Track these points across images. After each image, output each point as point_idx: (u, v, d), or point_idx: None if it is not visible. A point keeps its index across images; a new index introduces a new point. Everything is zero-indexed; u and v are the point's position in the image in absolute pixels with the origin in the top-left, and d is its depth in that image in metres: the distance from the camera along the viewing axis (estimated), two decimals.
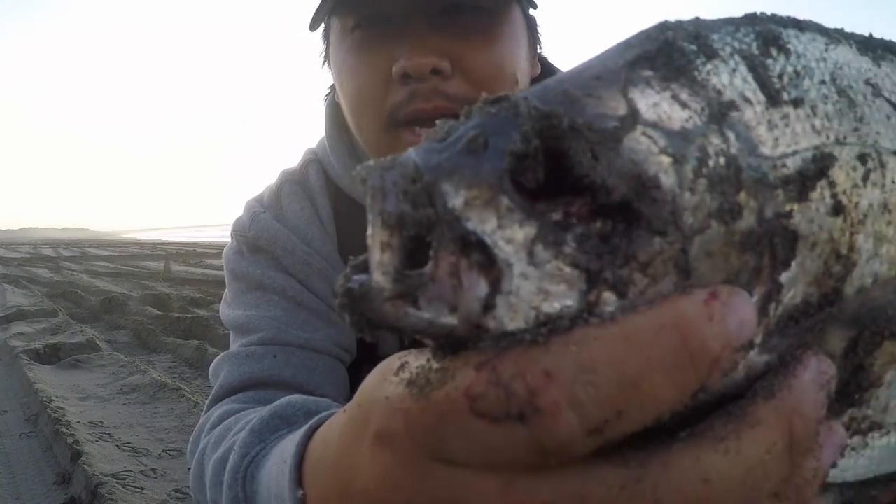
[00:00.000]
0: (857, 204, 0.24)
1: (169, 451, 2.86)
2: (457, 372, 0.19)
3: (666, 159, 0.20)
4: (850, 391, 0.26)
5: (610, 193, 0.20)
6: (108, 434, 3.03)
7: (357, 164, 0.28)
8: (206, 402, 0.73)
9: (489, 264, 0.19)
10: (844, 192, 0.24)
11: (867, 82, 0.27)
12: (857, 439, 0.27)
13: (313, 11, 0.73)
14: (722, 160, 0.21)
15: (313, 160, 0.87)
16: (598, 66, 0.23)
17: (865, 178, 0.25)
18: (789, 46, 0.26)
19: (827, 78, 0.26)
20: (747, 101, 0.23)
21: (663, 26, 0.24)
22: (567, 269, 0.19)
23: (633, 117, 0.21)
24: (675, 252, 0.20)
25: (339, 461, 0.27)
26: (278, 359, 0.71)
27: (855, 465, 0.27)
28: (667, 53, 0.23)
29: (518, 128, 0.19)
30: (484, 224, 0.19)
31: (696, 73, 0.23)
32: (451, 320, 0.19)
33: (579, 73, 0.22)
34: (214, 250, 19.71)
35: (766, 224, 0.22)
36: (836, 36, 0.28)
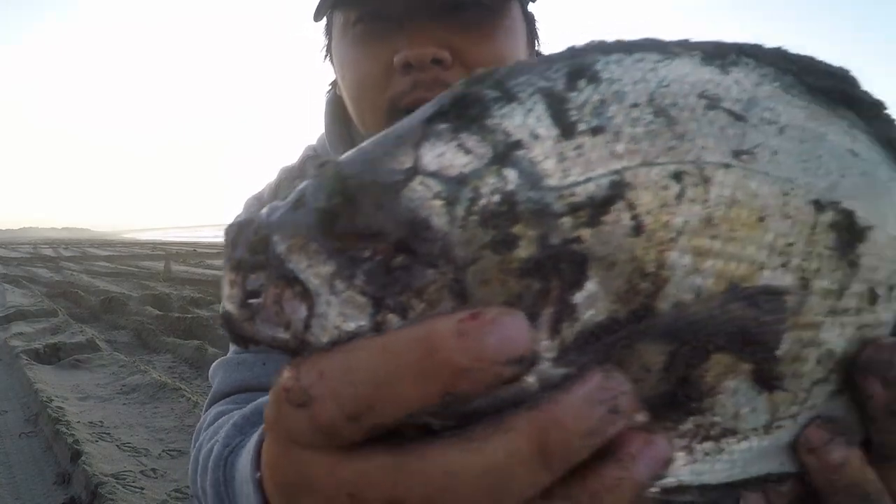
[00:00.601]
0: (666, 223, 0.25)
1: (169, 451, 2.86)
2: (284, 371, 0.25)
3: (438, 203, 0.24)
4: (680, 402, 0.27)
5: (389, 236, 0.24)
6: (108, 434, 3.03)
7: None
8: (206, 402, 0.77)
9: (305, 294, 0.24)
10: (649, 213, 0.25)
11: (701, 95, 0.27)
12: (709, 445, 0.28)
13: (317, 4, 0.75)
14: (497, 197, 0.24)
15: (312, 156, 0.88)
16: (404, 125, 0.26)
17: (680, 196, 0.26)
18: (601, 75, 0.27)
19: (642, 100, 0.26)
20: (537, 138, 0.25)
21: (470, 79, 0.27)
22: (358, 297, 0.24)
23: (414, 169, 0.25)
24: (448, 281, 0.24)
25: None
26: (267, 366, 0.74)
27: (713, 469, 0.28)
28: (461, 105, 0.26)
29: (324, 189, 0.25)
30: (299, 264, 0.25)
31: (488, 119, 0.25)
32: (284, 335, 0.25)
33: (387, 134, 0.26)
34: (214, 250, 19.72)
35: (551, 250, 0.24)
36: (674, 50, 0.28)
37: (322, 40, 0.85)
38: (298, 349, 0.25)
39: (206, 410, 0.74)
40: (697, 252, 0.26)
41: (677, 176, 0.26)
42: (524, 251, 0.24)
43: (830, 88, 0.30)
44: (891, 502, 0.31)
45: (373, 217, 0.24)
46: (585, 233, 0.25)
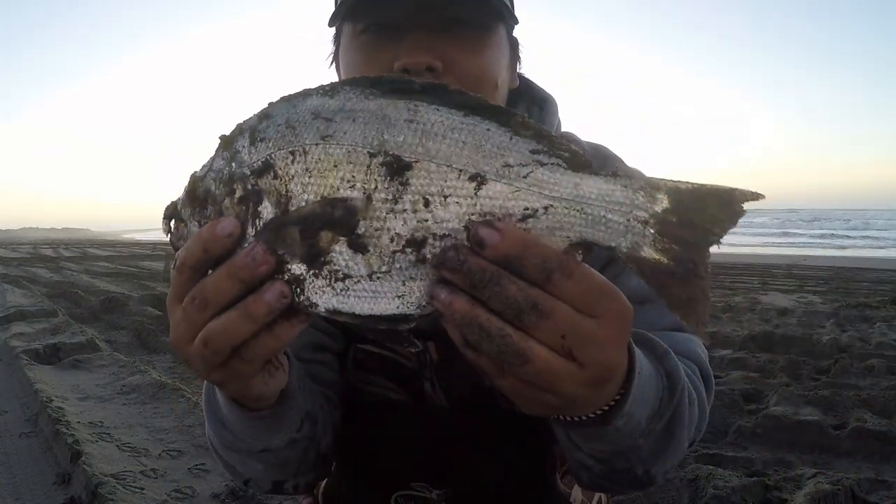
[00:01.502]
0: (287, 172, 0.54)
1: (169, 451, 2.86)
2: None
3: (213, 181, 0.59)
4: (315, 257, 0.53)
5: (201, 196, 0.61)
6: (108, 434, 3.03)
7: None
8: None
9: (185, 224, 0.62)
10: (281, 169, 0.55)
11: (312, 112, 0.55)
12: (340, 284, 0.53)
13: (332, 13, 0.87)
14: (227, 175, 0.58)
15: None
16: (216, 150, 0.61)
17: (293, 161, 0.54)
18: (270, 113, 0.57)
19: (283, 122, 0.56)
20: (244, 147, 0.58)
21: (235, 128, 0.59)
22: (195, 222, 0.61)
23: (209, 169, 0.61)
24: (217, 210, 0.58)
25: None
26: None
27: (350, 301, 0.54)
28: (229, 139, 0.60)
29: (189, 179, 0.63)
30: (184, 212, 0.62)
31: (233, 143, 0.59)
32: (183, 242, 0.61)
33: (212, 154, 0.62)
34: None
35: (247, 191, 0.56)
36: (309, 92, 0.56)
37: (329, 48, 0.96)
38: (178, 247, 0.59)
39: None
40: (303, 184, 0.53)
41: (292, 153, 0.54)
42: (237, 193, 0.56)
43: (394, 88, 0.54)
44: (508, 330, 0.51)
45: (197, 189, 0.59)
46: (259, 181, 0.55)
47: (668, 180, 0.54)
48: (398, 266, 0.53)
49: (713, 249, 0.54)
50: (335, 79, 0.96)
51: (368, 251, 0.52)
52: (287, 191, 0.53)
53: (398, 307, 0.54)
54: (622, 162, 0.98)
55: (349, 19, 0.86)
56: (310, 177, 0.53)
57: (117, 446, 2.88)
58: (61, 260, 17.39)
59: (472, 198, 0.52)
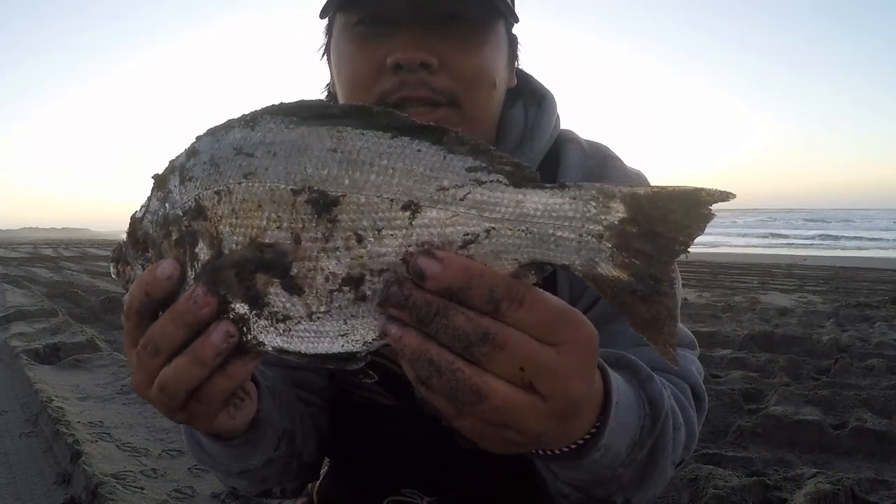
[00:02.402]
0: (216, 213, 0.52)
1: (169, 451, 2.86)
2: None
3: (150, 223, 0.58)
4: (254, 299, 0.51)
5: (141, 239, 0.60)
6: (108, 434, 3.03)
7: None
8: None
9: (132, 267, 0.62)
10: (209, 209, 0.52)
11: (234, 148, 0.51)
12: (282, 325, 0.51)
13: (324, 2, 0.83)
14: (162, 216, 0.56)
15: None
16: (148, 195, 0.61)
17: (219, 201, 0.51)
18: (197, 149, 0.54)
19: (207, 159, 0.53)
20: (175, 187, 0.55)
21: (168, 166, 0.57)
22: (140, 264, 0.60)
23: (146, 210, 0.60)
24: (157, 253, 0.57)
25: None
26: None
27: (294, 340, 0.52)
28: (163, 178, 0.57)
29: (130, 221, 0.62)
30: (129, 254, 0.63)
31: (167, 182, 0.56)
32: (129, 284, 0.62)
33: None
34: None
35: (182, 232, 0.54)
36: (231, 124, 0.53)
37: (321, 39, 0.92)
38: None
39: None
40: (231, 225, 0.51)
41: (218, 193, 0.52)
42: (174, 235, 0.54)
43: (315, 114, 0.50)
44: (453, 360, 0.47)
45: (138, 234, 0.59)
46: (192, 222, 0.53)
47: (624, 187, 0.49)
48: (337, 305, 0.50)
49: (687, 256, 0.50)
50: (327, 73, 0.95)
51: (304, 292, 0.50)
52: (217, 232, 0.51)
53: (343, 346, 0.51)
54: (621, 162, 0.96)
55: (342, 10, 0.83)
56: (236, 218, 0.51)
57: (117, 446, 2.87)
58: (61, 260, 17.38)
59: (407, 228, 0.48)
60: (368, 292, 0.49)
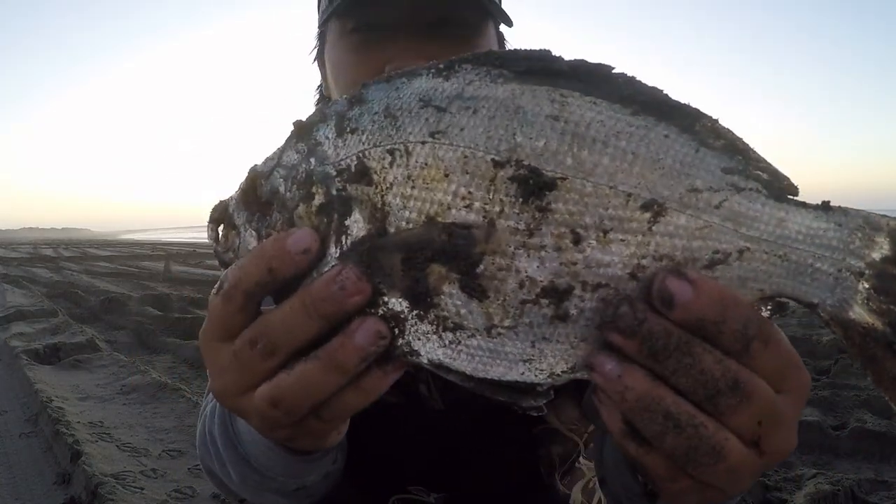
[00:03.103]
0: (384, 177, 0.40)
1: (169, 451, 2.86)
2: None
3: (282, 180, 0.44)
4: (419, 296, 0.40)
5: (265, 199, 0.45)
6: (108, 434, 3.03)
7: None
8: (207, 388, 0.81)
9: (238, 232, 0.48)
10: (376, 172, 0.41)
11: (420, 98, 0.41)
12: (449, 335, 0.40)
13: (313, 12, 0.86)
14: (303, 173, 0.43)
15: None
16: (286, 140, 0.46)
17: (392, 163, 0.40)
18: (365, 96, 0.43)
19: (381, 109, 0.42)
20: (327, 139, 0.43)
21: (316, 113, 0.45)
22: (254, 231, 0.46)
23: (277, 164, 0.45)
24: (285, 219, 0.44)
25: None
26: None
27: (459, 357, 0.41)
28: (305, 126, 0.45)
29: (246, 176, 0.47)
30: (236, 217, 0.47)
31: (311, 132, 0.44)
32: (232, 255, 0.48)
33: (278, 147, 0.46)
34: None
35: (331, 197, 0.42)
36: (419, 72, 0.42)
37: (314, 45, 0.94)
38: (229, 261, 0.46)
39: (207, 394, 0.77)
40: (404, 196, 0.40)
41: (391, 152, 0.40)
42: (317, 199, 0.43)
43: (531, 68, 0.40)
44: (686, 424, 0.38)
45: (259, 191, 0.46)
46: (348, 185, 0.42)
47: (892, 218, 0.41)
48: (527, 321, 0.39)
49: None
50: (318, 78, 0.94)
51: (488, 297, 0.39)
52: (384, 203, 0.40)
53: (523, 374, 0.40)
54: None
55: (337, 17, 0.84)
56: (413, 187, 0.39)
57: (117, 446, 2.88)
58: (61, 260, 17.39)
59: (644, 234, 0.38)
60: (573, 311, 0.39)
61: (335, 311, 0.40)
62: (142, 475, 2.56)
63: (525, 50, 0.41)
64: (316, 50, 0.94)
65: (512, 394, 0.41)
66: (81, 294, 7.94)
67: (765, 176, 0.40)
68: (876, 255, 0.40)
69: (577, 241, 0.38)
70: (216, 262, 0.49)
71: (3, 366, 4.40)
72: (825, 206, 0.40)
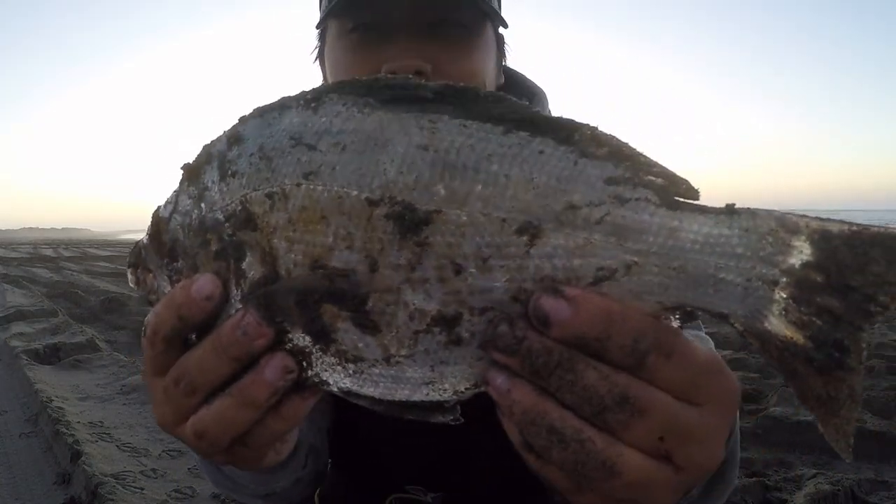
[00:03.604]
0: (267, 222, 0.40)
1: (169, 451, 2.86)
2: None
3: (179, 227, 0.45)
4: (318, 333, 0.40)
5: (169, 245, 0.47)
6: (108, 434, 3.03)
7: None
8: None
9: (154, 277, 0.49)
10: (259, 216, 0.41)
11: (291, 137, 0.40)
12: (352, 366, 0.41)
13: (314, 10, 0.87)
14: (197, 220, 0.44)
15: None
16: (176, 188, 0.47)
17: (272, 207, 0.40)
18: (241, 135, 0.42)
19: (255, 149, 0.41)
20: (213, 182, 0.43)
21: (202, 153, 0.45)
22: (166, 276, 0.47)
23: (174, 210, 0.46)
24: (190, 265, 0.45)
25: None
26: None
27: (366, 384, 0.41)
28: (194, 168, 0.45)
29: (151, 221, 0.49)
30: (150, 261, 0.50)
31: (200, 175, 0.44)
32: (154, 297, 0.50)
33: (174, 190, 0.47)
34: None
35: (224, 243, 0.42)
36: (288, 104, 0.41)
37: (315, 44, 0.95)
38: (154, 302, 0.48)
39: None
40: (288, 240, 0.40)
41: (270, 196, 0.40)
42: (213, 245, 0.43)
43: (397, 96, 0.39)
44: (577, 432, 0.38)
45: (163, 235, 0.47)
46: (237, 231, 0.42)
47: (812, 219, 0.37)
48: (423, 349, 0.40)
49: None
50: (320, 76, 0.95)
51: (381, 331, 0.39)
52: (271, 247, 0.40)
53: (427, 395, 0.41)
54: None
55: (336, 17, 0.85)
56: (294, 231, 0.39)
57: (117, 446, 2.88)
58: (61, 260, 17.39)
59: (522, 258, 0.37)
60: (465, 335, 0.39)
61: (242, 353, 0.42)
62: (142, 475, 2.56)
63: (387, 76, 0.40)
64: (317, 49, 0.95)
65: (420, 412, 0.42)
66: (81, 294, 7.94)
67: (658, 181, 0.37)
68: (794, 261, 0.37)
69: (458, 271, 0.38)
70: None
71: (3, 366, 4.40)
72: (729, 210, 0.38)
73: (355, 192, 0.38)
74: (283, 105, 0.41)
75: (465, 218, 0.37)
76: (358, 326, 0.40)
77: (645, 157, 0.38)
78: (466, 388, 0.41)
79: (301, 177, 0.39)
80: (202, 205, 0.43)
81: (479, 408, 0.43)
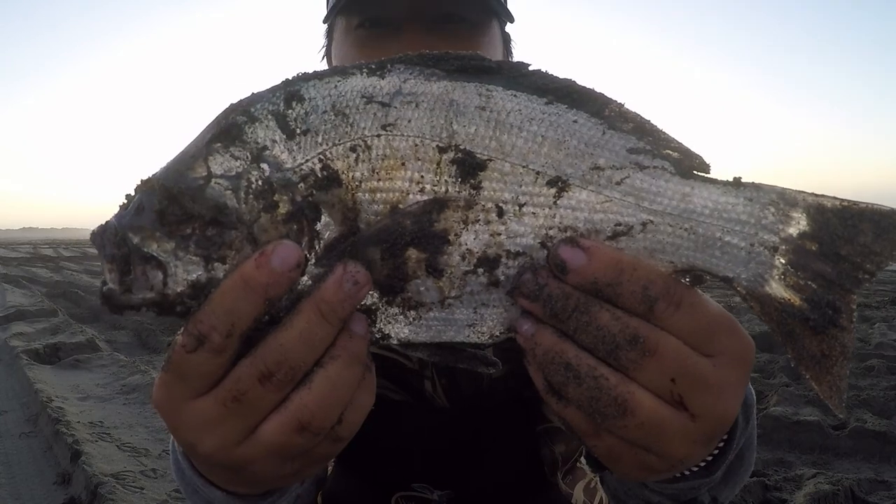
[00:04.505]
0: (352, 176, 0.42)
1: (169, 451, 2.86)
2: (176, 338, 0.40)
3: (228, 192, 0.41)
4: (395, 282, 0.43)
5: (203, 217, 0.40)
6: (108, 434, 3.03)
7: None
8: None
9: (159, 264, 0.40)
10: (342, 172, 0.42)
11: (362, 96, 0.43)
12: (413, 312, 0.44)
13: (319, 8, 0.88)
14: (259, 182, 0.41)
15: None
16: (192, 147, 0.42)
17: (357, 160, 0.42)
18: (304, 95, 0.43)
19: (328, 107, 0.43)
20: (274, 142, 0.42)
21: (227, 110, 0.43)
22: (193, 257, 0.40)
23: (209, 175, 0.41)
24: (244, 234, 0.40)
25: None
26: None
27: (421, 330, 0.45)
28: (225, 129, 0.42)
29: (155, 196, 0.40)
30: (150, 247, 0.40)
31: (244, 135, 0.42)
32: (151, 294, 0.40)
33: (184, 153, 0.42)
34: None
35: (297, 204, 0.41)
36: (350, 71, 0.44)
37: (322, 42, 0.96)
38: (161, 302, 0.41)
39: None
40: (371, 191, 0.42)
41: (353, 148, 0.42)
42: (282, 208, 0.41)
43: (462, 67, 0.45)
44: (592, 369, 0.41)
45: (190, 208, 0.40)
46: (315, 190, 0.42)
47: (809, 194, 0.42)
48: (469, 290, 0.44)
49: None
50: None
51: (442, 273, 0.43)
52: (354, 201, 0.42)
53: (468, 336, 0.45)
54: None
55: (344, 14, 0.86)
56: (378, 180, 0.42)
57: (117, 446, 2.88)
58: (61, 260, 17.39)
59: (550, 208, 0.43)
60: (503, 277, 0.43)
61: (352, 308, 0.40)
62: (142, 475, 2.56)
63: (456, 52, 0.46)
64: (325, 46, 0.96)
65: (469, 361, 0.46)
66: (81, 294, 7.94)
67: (675, 155, 0.43)
68: (792, 231, 0.42)
69: (500, 214, 0.43)
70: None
71: (3, 366, 4.40)
72: (736, 183, 0.43)
73: (428, 140, 0.43)
74: (343, 71, 0.44)
75: (508, 167, 0.43)
76: (428, 269, 0.43)
77: (665, 133, 0.44)
78: (500, 333, 0.45)
79: (380, 128, 0.42)
80: (263, 166, 0.41)
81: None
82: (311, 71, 0.44)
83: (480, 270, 0.43)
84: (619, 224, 0.42)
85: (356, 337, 0.41)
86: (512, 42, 0.96)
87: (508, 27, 0.95)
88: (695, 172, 0.43)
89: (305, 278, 0.41)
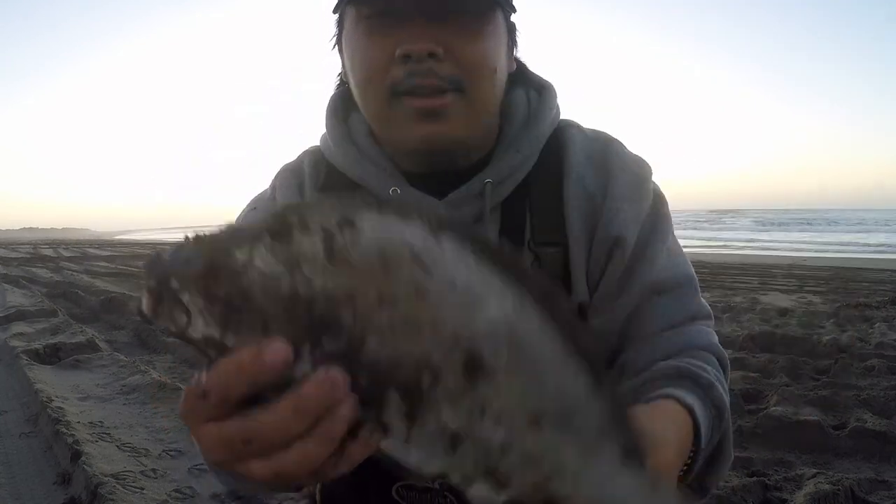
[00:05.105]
0: (370, 318, 0.43)
1: (169, 451, 2.86)
2: (194, 380, 0.44)
3: (258, 287, 0.42)
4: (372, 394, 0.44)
5: (234, 297, 0.42)
6: (108, 434, 3.03)
7: (351, 147, 0.77)
8: None
9: (187, 311, 0.42)
10: (362, 309, 0.43)
11: (412, 252, 0.43)
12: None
13: (333, 3, 0.90)
14: (287, 288, 0.42)
15: (309, 150, 1.01)
16: (252, 229, 0.43)
17: (380, 307, 0.42)
18: (357, 223, 0.43)
19: (374, 249, 0.42)
20: (315, 257, 0.42)
21: (287, 206, 0.45)
22: (214, 318, 0.42)
23: (249, 264, 0.42)
24: (260, 322, 0.42)
25: None
26: None
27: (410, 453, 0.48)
28: (278, 226, 0.43)
29: (202, 257, 0.42)
30: (184, 296, 0.42)
31: (294, 242, 0.42)
32: (173, 328, 0.43)
33: (240, 230, 0.44)
34: None
35: (314, 319, 0.42)
36: (408, 217, 0.44)
37: (333, 31, 0.98)
38: (180, 336, 0.43)
39: None
40: (380, 333, 0.42)
41: (381, 298, 0.42)
42: (299, 316, 0.42)
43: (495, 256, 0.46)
44: None
45: (224, 282, 0.42)
46: (332, 316, 0.42)
47: None
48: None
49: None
50: (338, 63, 0.99)
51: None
52: (364, 341, 0.43)
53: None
54: (623, 147, 0.97)
55: (353, 4, 0.89)
56: (393, 335, 0.43)
57: (117, 446, 2.88)
58: (61, 260, 17.40)
59: None
60: None
61: (321, 405, 0.43)
62: (142, 475, 2.56)
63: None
64: (335, 37, 0.98)
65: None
66: (81, 294, 7.94)
67: None
68: None
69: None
70: None
71: (3, 366, 4.40)
72: None
73: (450, 327, 0.43)
74: (405, 214, 0.44)
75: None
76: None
77: None
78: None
79: (414, 296, 0.42)
80: (296, 275, 0.42)
81: None
82: (381, 203, 0.45)
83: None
84: None
85: (337, 419, 0.43)
86: (517, 31, 0.98)
87: (513, 17, 0.97)
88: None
89: (298, 373, 0.42)
